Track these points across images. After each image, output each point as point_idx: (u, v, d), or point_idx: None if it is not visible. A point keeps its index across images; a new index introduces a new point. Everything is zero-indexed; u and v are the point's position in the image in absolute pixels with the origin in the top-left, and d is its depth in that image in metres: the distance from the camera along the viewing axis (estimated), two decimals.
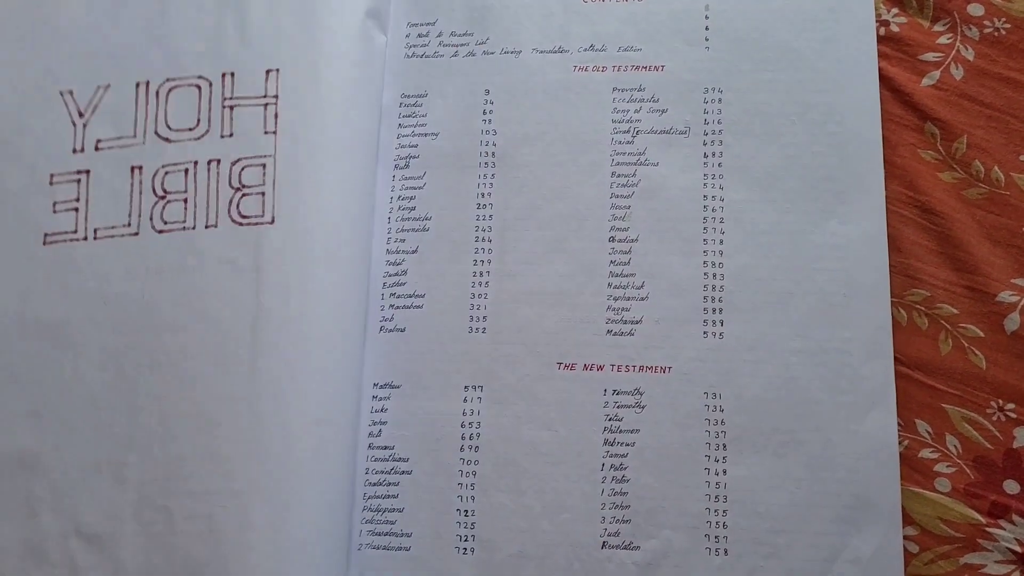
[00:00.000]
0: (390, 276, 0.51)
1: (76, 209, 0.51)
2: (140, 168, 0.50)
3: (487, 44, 0.54)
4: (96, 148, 0.51)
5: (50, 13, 0.53)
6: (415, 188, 0.52)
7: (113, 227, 0.50)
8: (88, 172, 0.51)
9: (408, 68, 0.54)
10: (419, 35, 0.54)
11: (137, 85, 0.52)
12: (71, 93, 0.52)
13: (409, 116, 0.53)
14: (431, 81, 0.54)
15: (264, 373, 0.45)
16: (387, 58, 0.54)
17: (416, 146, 0.53)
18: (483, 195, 0.52)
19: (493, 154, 0.52)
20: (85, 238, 0.50)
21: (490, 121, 0.53)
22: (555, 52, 0.53)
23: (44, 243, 0.50)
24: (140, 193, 0.50)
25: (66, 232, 0.50)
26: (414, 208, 0.52)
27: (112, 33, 0.52)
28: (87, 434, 0.48)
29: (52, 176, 0.51)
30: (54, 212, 0.51)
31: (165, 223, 0.49)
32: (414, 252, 0.51)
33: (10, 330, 0.49)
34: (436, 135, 0.53)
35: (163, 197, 0.50)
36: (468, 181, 0.52)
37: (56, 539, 0.47)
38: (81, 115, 0.52)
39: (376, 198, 0.52)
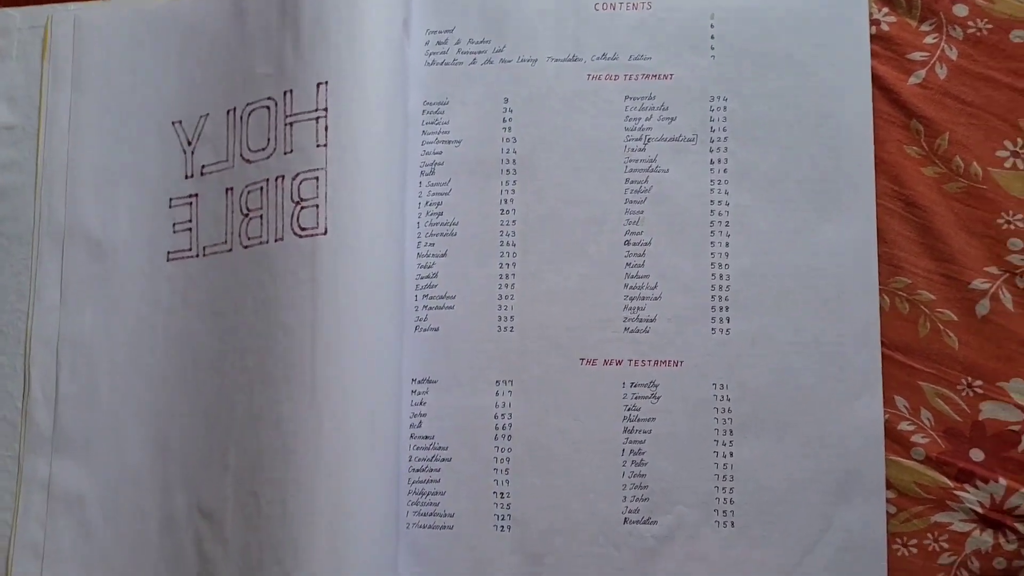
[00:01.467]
0: (422, 279, 0.55)
1: (190, 229, 0.56)
2: (232, 189, 0.55)
3: (504, 52, 0.56)
4: (202, 173, 0.56)
5: (158, 50, 0.58)
6: (441, 194, 0.56)
7: (216, 245, 0.55)
8: (197, 196, 0.56)
9: (428, 75, 0.57)
10: (438, 42, 0.57)
11: (227, 112, 0.56)
12: (180, 123, 0.57)
13: (432, 123, 0.56)
14: (452, 89, 0.56)
15: (322, 373, 0.50)
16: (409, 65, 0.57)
17: (440, 153, 0.56)
18: (506, 201, 0.55)
19: (514, 161, 0.55)
20: (197, 255, 0.56)
21: (510, 129, 0.56)
22: (569, 60, 0.56)
23: (167, 260, 0.56)
24: (232, 213, 0.55)
25: (183, 250, 0.56)
26: (441, 214, 0.56)
27: (208, 64, 0.57)
28: (203, 427, 0.54)
29: (171, 200, 0.57)
30: (174, 232, 0.56)
31: (249, 239, 0.53)
32: (443, 256, 0.55)
33: (144, 338, 0.56)
34: (459, 142, 0.56)
35: (247, 215, 0.54)
36: (491, 188, 0.55)
37: (184, 513, 0.54)
38: (189, 143, 0.57)
39: (406, 204, 0.55)
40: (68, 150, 0.58)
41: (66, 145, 0.58)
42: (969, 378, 0.53)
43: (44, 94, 0.59)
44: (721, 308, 0.54)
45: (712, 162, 0.55)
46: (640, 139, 0.55)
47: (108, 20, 0.60)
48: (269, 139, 0.53)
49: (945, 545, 0.52)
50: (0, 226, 0.58)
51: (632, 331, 0.54)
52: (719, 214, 0.54)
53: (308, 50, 0.52)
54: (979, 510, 0.52)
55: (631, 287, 0.54)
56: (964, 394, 0.53)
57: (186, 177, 0.57)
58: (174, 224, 0.57)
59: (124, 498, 0.55)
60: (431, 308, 0.55)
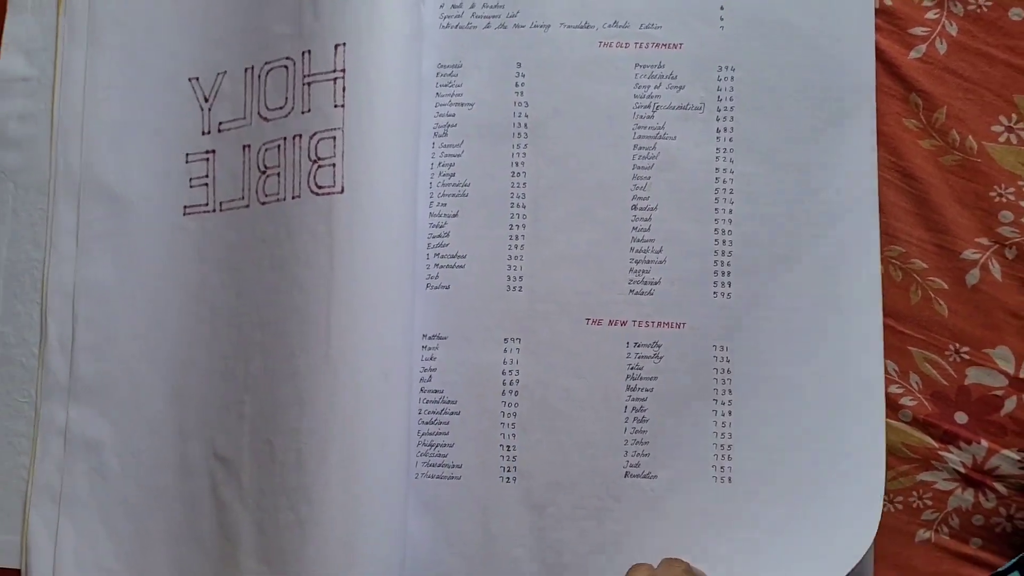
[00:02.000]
0: (434, 238, 0.57)
1: (206, 185, 0.57)
2: (249, 147, 0.56)
3: (517, 17, 0.57)
4: (219, 130, 0.58)
5: (176, 6, 0.59)
6: (454, 156, 0.57)
7: (232, 200, 0.56)
8: (214, 152, 0.57)
9: (443, 38, 0.58)
10: (453, 6, 0.58)
11: (245, 70, 0.57)
12: (197, 80, 0.58)
13: (446, 86, 0.57)
14: (465, 52, 0.58)
15: (336, 331, 0.51)
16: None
17: (454, 115, 0.57)
18: (517, 164, 0.57)
19: (526, 126, 0.57)
20: (214, 210, 0.57)
21: (522, 94, 0.57)
22: (581, 27, 0.57)
23: (184, 214, 0.57)
24: (249, 169, 0.56)
25: (200, 205, 0.57)
26: (454, 175, 0.57)
27: (226, 22, 0.58)
28: (219, 378, 0.56)
29: (187, 155, 0.58)
30: (190, 187, 0.58)
31: (266, 195, 0.55)
32: (455, 216, 0.57)
33: (161, 290, 0.57)
34: (472, 105, 0.57)
35: (264, 172, 0.55)
36: (503, 151, 0.57)
37: (200, 459, 0.56)
38: (207, 100, 0.58)
39: (419, 164, 0.57)
40: (84, 103, 0.59)
41: (82, 98, 0.59)
42: (957, 344, 0.56)
43: (60, 47, 0.60)
44: (723, 272, 0.56)
45: (718, 131, 0.56)
46: (649, 107, 0.57)
47: None
48: (287, 98, 0.55)
49: (929, 502, 0.55)
50: (17, 176, 0.59)
51: (637, 293, 0.56)
52: (724, 182, 0.56)
53: (326, 11, 0.53)
54: (961, 470, 0.55)
55: (637, 251, 0.56)
56: (951, 359, 0.56)
57: (203, 133, 0.58)
58: (191, 179, 0.58)
59: (141, 445, 0.57)
60: (442, 266, 0.56)
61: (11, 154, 0.59)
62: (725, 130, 0.56)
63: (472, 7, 0.58)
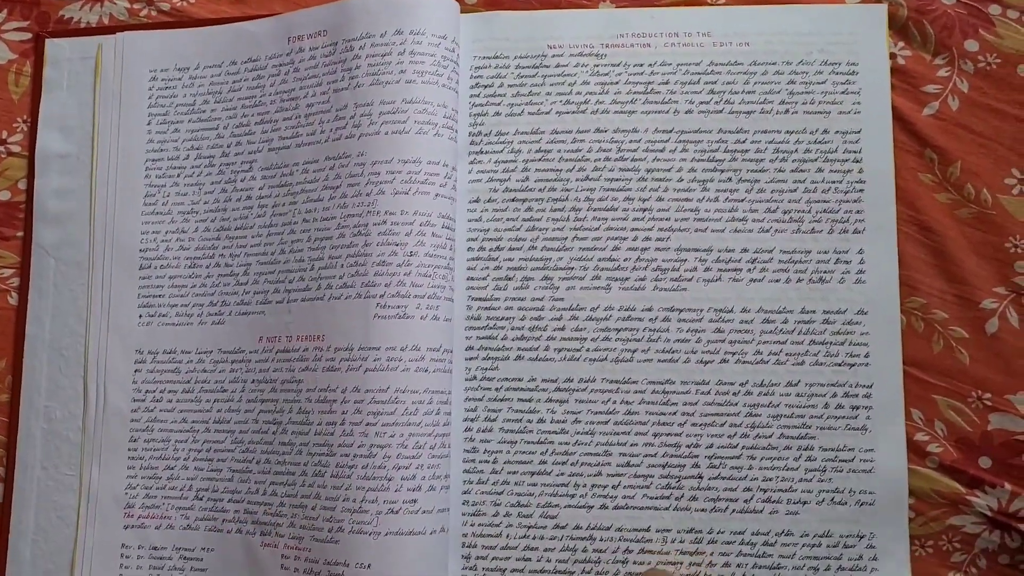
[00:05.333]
0: None
1: None
2: None
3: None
4: None
5: None
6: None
7: None
8: None
9: None
10: None
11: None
12: None
13: None
14: None
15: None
16: None
17: None
18: None
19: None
20: None
21: None
22: None
23: None
24: None
25: None
26: None
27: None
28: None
29: None
30: None
31: None
32: None
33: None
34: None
35: None
36: None
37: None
38: None
39: None
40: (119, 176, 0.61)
41: (117, 172, 0.61)
42: (979, 391, 0.57)
43: (96, 122, 0.61)
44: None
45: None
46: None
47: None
48: None
49: (957, 545, 0.56)
50: (57, 252, 0.60)
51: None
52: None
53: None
54: (988, 513, 0.56)
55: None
56: (974, 406, 0.57)
57: None
58: None
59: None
60: None
61: (51, 231, 0.60)
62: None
63: None
